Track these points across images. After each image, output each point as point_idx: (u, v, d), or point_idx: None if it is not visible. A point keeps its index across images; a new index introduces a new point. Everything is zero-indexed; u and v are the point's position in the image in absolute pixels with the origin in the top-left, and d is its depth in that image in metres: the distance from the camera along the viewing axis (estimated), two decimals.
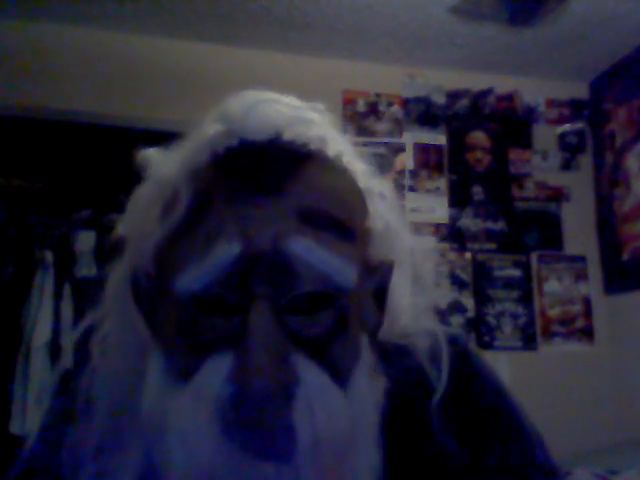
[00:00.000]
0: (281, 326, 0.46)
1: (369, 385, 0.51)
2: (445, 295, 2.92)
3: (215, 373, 0.46)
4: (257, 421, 0.45)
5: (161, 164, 0.55)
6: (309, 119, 0.54)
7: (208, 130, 0.53)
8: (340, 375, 0.49)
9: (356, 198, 0.54)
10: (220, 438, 0.45)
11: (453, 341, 0.61)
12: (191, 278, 0.47)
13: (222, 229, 0.47)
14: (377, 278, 0.56)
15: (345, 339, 0.49)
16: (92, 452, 0.54)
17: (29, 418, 2.64)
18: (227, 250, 0.46)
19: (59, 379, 0.64)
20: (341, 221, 0.50)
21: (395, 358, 0.59)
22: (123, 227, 0.57)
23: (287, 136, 0.51)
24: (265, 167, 0.49)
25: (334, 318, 0.49)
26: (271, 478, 0.45)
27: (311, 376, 0.47)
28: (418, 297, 0.61)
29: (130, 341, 0.57)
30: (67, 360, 0.63)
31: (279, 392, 0.45)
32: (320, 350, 0.48)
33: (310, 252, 0.47)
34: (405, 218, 0.62)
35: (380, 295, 0.57)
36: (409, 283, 0.61)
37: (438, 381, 0.57)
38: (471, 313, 2.94)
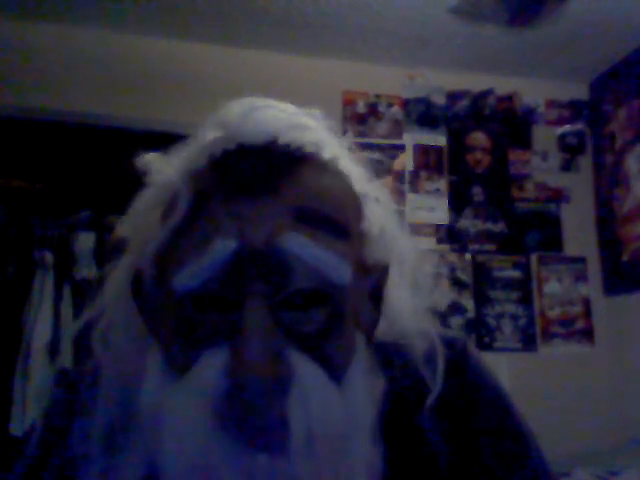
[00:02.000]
0: (276, 322, 0.47)
1: (365, 382, 0.52)
2: (445, 296, 2.92)
3: (210, 367, 0.47)
4: (251, 414, 0.45)
5: (161, 169, 0.56)
6: (305, 124, 0.55)
7: (206, 136, 0.55)
8: (335, 371, 0.49)
9: (351, 201, 0.55)
10: (214, 431, 0.46)
11: (451, 344, 0.62)
12: (188, 275, 0.48)
13: (218, 227, 0.48)
14: (373, 279, 0.57)
15: (340, 336, 0.50)
16: (98, 448, 0.55)
17: (29, 419, 2.64)
18: (223, 247, 0.47)
19: (59, 374, 0.64)
20: (335, 220, 0.51)
21: (392, 360, 0.59)
22: (124, 229, 0.58)
23: (283, 140, 0.52)
24: (261, 169, 0.51)
25: (328, 315, 0.50)
26: (265, 469, 0.46)
27: (306, 371, 0.47)
28: (416, 299, 0.62)
29: (132, 338, 0.58)
30: (66, 359, 0.63)
31: (274, 386, 0.46)
32: (314, 346, 0.49)
33: (304, 249, 0.48)
34: (402, 222, 0.62)
35: (376, 295, 0.58)
36: (407, 286, 0.62)
37: (433, 383, 0.58)
38: (471, 314, 2.94)
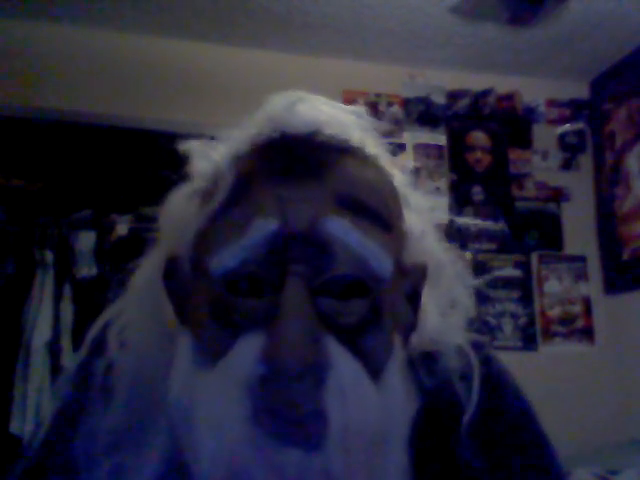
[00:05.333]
0: (314, 307, 0.45)
1: (402, 384, 0.49)
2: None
3: (246, 352, 0.45)
4: (286, 403, 0.43)
5: (204, 153, 0.55)
6: (349, 121, 0.55)
7: (250, 126, 0.54)
8: (372, 368, 0.47)
9: (393, 198, 0.54)
10: (248, 421, 0.44)
11: (478, 349, 0.61)
12: (226, 255, 0.47)
13: (260, 208, 0.47)
14: (411, 280, 0.55)
15: (378, 332, 0.48)
16: (108, 446, 0.52)
17: (29, 418, 2.64)
18: (263, 227, 0.46)
19: (75, 370, 0.61)
20: (379, 212, 0.50)
21: (425, 373, 0.57)
22: (160, 221, 0.57)
23: (327, 132, 0.52)
24: (305, 155, 0.50)
25: (368, 308, 0.48)
26: (297, 465, 0.43)
27: (344, 362, 0.45)
28: (451, 312, 0.60)
29: (154, 335, 0.55)
30: (68, 359, 0.61)
31: (310, 373, 0.43)
32: (352, 339, 0.46)
33: (347, 233, 0.46)
34: (439, 230, 0.61)
35: (413, 298, 0.56)
36: (442, 297, 0.60)
37: (467, 401, 0.56)
38: (471, 313, 2.93)
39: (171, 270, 0.54)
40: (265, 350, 0.44)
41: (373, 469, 0.46)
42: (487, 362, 0.60)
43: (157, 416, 0.51)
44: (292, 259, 0.46)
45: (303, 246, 0.46)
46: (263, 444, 0.43)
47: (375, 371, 0.47)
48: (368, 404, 0.45)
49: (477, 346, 0.61)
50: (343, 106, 0.56)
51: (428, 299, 0.59)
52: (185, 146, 0.56)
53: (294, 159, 0.50)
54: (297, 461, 0.43)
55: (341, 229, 0.46)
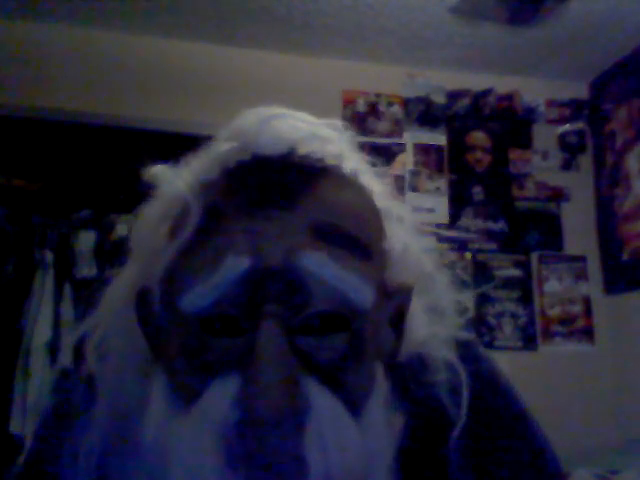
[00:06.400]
0: (292, 348, 0.43)
1: (384, 416, 0.48)
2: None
3: (220, 397, 0.43)
4: (264, 450, 0.41)
5: (170, 180, 0.52)
6: (325, 136, 0.52)
7: (219, 146, 0.51)
8: (353, 404, 0.45)
9: (373, 217, 0.52)
10: (224, 470, 0.42)
11: (465, 348, 0.59)
12: (198, 295, 0.44)
13: (231, 243, 0.44)
14: (394, 303, 0.53)
15: (360, 366, 0.46)
16: (92, 470, 0.51)
17: (29, 418, 2.65)
18: (235, 265, 0.44)
19: (55, 380, 0.60)
20: (357, 238, 0.47)
21: (412, 388, 0.56)
22: (131, 240, 0.55)
23: (302, 151, 0.49)
24: (277, 181, 0.47)
25: (348, 342, 0.46)
26: None
27: (323, 403, 0.43)
28: (438, 325, 0.58)
29: (131, 354, 0.54)
30: (65, 360, 0.61)
31: (288, 418, 0.41)
32: (333, 376, 0.45)
33: (324, 267, 0.44)
34: (424, 242, 0.58)
35: (397, 321, 0.54)
36: (427, 310, 0.58)
37: (456, 416, 0.54)
38: (471, 313, 2.94)
39: (143, 302, 0.52)
40: (240, 396, 0.42)
41: None
42: (477, 375, 0.58)
43: (138, 442, 0.50)
44: (267, 298, 0.44)
45: (278, 284, 0.44)
46: None
47: (356, 407, 0.45)
48: (349, 446, 0.44)
49: (466, 356, 0.58)
50: (320, 121, 0.54)
51: (415, 309, 0.57)
52: (151, 171, 0.53)
53: (266, 186, 0.47)
54: None
55: (317, 263, 0.44)
